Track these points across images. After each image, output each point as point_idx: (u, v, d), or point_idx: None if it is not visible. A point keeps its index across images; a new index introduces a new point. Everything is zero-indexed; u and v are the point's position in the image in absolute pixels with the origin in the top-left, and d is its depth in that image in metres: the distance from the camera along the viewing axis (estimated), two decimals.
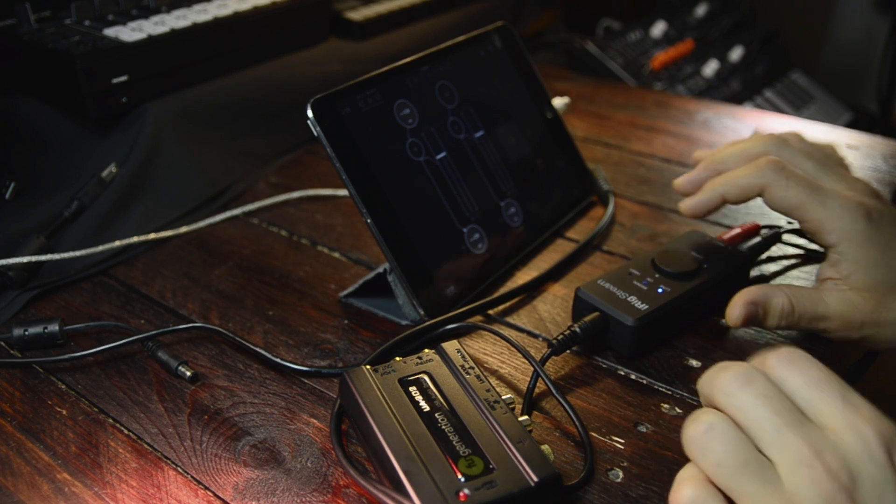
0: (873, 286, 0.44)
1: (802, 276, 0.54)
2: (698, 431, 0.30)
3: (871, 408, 0.30)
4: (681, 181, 0.52)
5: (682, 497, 0.30)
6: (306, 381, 0.45)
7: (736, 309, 0.44)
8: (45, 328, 0.47)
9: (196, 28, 0.67)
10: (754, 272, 0.54)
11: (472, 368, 0.40)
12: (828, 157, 0.49)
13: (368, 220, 0.47)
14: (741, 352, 0.47)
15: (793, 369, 0.32)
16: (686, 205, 0.50)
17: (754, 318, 0.44)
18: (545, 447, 0.37)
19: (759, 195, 0.47)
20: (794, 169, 0.46)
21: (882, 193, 0.47)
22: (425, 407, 0.38)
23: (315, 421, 0.42)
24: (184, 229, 0.60)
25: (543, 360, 0.44)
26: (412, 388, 0.39)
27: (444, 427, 0.37)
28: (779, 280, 0.53)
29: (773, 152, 0.48)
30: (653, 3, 1.20)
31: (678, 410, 0.42)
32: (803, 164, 0.47)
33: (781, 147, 0.49)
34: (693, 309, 0.48)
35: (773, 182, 0.45)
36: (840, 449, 0.29)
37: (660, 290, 0.46)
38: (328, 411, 0.43)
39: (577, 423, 0.40)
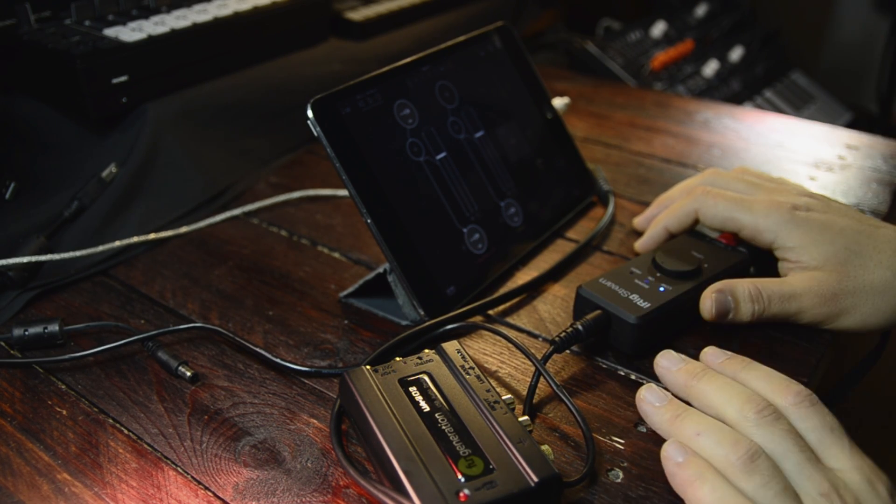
0: (826, 260, 0.46)
1: None
2: (743, 457, 0.34)
3: (868, 458, 0.36)
4: (637, 220, 0.59)
5: (703, 495, 0.34)
6: (306, 381, 0.45)
7: (706, 301, 0.46)
8: (45, 328, 0.47)
9: (196, 28, 0.67)
10: (754, 272, 0.54)
11: (473, 369, 0.40)
12: (762, 177, 0.53)
13: (368, 220, 0.47)
14: (742, 351, 0.47)
15: (808, 413, 0.37)
16: (639, 243, 0.56)
17: (725, 307, 0.46)
18: (545, 447, 0.37)
19: (696, 219, 0.52)
20: (720, 191, 0.51)
21: (816, 193, 0.51)
22: (425, 407, 0.38)
23: (315, 421, 0.42)
24: (184, 229, 0.60)
25: (546, 358, 0.44)
26: (412, 389, 0.39)
27: (444, 427, 0.37)
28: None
29: (707, 182, 0.54)
30: (653, 3, 1.20)
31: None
32: (734, 186, 0.52)
33: (716, 177, 0.54)
34: (694, 308, 0.48)
35: (702, 204, 0.51)
36: (850, 486, 0.34)
37: (661, 289, 0.46)
38: (328, 411, 0.43)
39: (579, 419, 0.40)
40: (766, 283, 0.46)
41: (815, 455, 0.35)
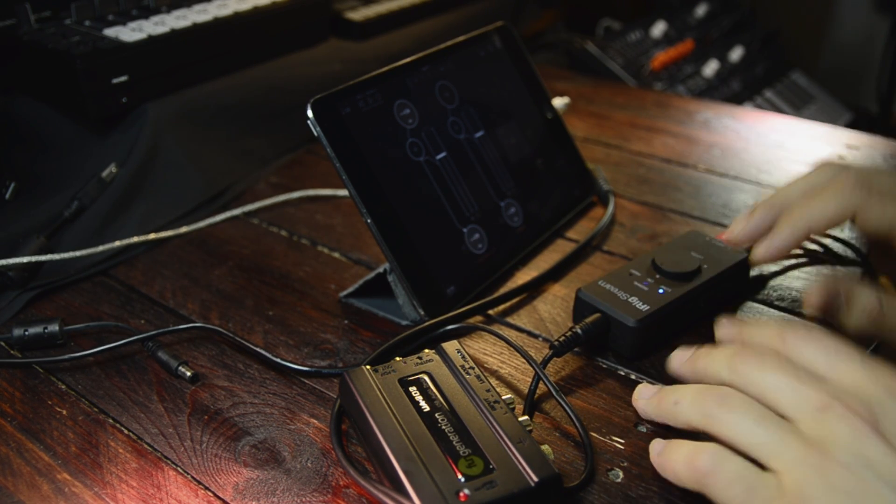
0: None
1: (802, 277, 0.54)
2: (711, 401, 0.31)
3: (891, 367, 0.30)
4: (738, 230, 0.47)
5: (701, 461, 0.31)
6: (306, 381, 0.45)
7: (815, 295, 0.41)
8: (45, 328, 0.47)
9: (196, 28, 0.67)
10: (754, 272, 0.54)
11: (473, 369, 0.40)
12: None
13: (368, 220, 0.47)
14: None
15: (808, 340, 0.32)
16: (761, 253, 0.45)
17: (834, 308, 0.40)
18: (545, 447, 0.37)
19: (849, 219, 0.43)
20: (887, 189, 0.42)
21: None
22: (425, 407, 0.38)
23: (315, 421, 0.42)
24: (184, 229, 0.60)
25: (545, 362, 0.44)
26: (412, 389, 0.39)
27: (444, 427, 0.37)
28: (779, 280, 0.53)
29: (842, 176, 0.43)
30: (653, 4, 1.20)
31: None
32: (884, 181, 0.43)
33: (851, 169, 0.44)
34: (693, 309, 0.48)
35: (865, 202, 0.41)
36: (859, 394, 0.29)
37: (661, 291, 0.46)
38: (328, 411, 0.43)
39: (577, 424, 0.40)
40: (892, 305, 0.39)
41: (821, 377, 0.31)
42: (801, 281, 0.53)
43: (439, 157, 0.53)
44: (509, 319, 0.50)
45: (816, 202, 0.43)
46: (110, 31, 0.64)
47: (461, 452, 0.35)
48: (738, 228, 0.47)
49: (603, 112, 0.82)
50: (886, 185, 0.42)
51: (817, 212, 0.43)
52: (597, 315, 0.46)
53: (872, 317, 0.39)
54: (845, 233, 0.58)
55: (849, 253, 0.55)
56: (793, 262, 0.55)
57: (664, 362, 0.46)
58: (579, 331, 0.45)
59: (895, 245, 0.42)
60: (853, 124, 1.09)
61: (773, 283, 0.53)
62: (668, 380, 0.45)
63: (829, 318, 0.41)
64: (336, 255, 0.58)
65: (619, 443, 0.40)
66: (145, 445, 0.40)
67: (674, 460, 0.34)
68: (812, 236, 0.47)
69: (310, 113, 0.46)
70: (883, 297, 0.40)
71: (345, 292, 0.52)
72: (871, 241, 0.47)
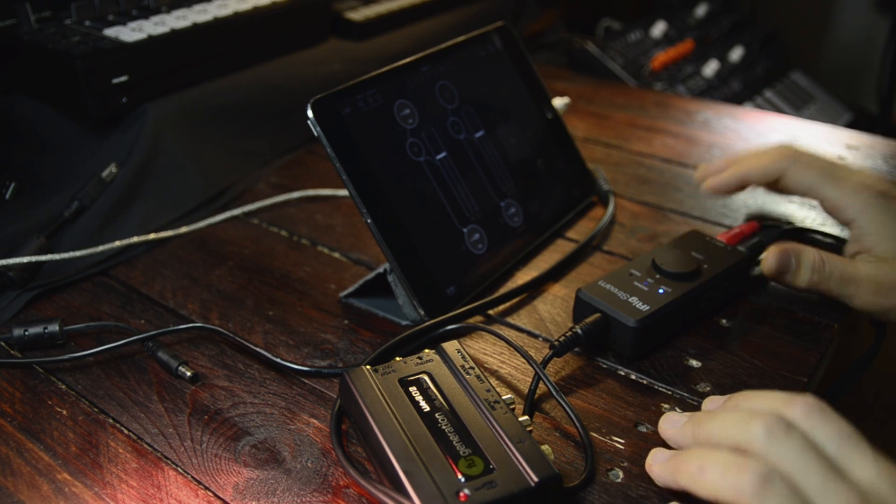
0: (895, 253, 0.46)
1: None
2: (753, 483, 0.31)
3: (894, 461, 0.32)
4: (702, 168, 0.57)
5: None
6: (306, 381, 0.45)
7: (771, 257, 0.47)
8: (46, 328, 0.47)
9: (196, 28, 0.67)
10: (754, 272, 0.54)
11: (473, 368, 0.40)
12: (840, 161, 0.52)
13: (368, 220, 0.47)
14: (742, 352, 0.47)
15: (821, 421, 0.33)
16: (710, 182, 0.55)
17: (786, 266, 0.47)
18: (545, 447, 0.37)
19: (778, 178, 0.52)
20: (815, 157, 0.51)
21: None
22: (425, 407, 0.38)
23: (315, 421, 0.42)
24: (184, 229, 0.60)
25: (545, 362, 0.44)
26: (412, 389, 0.39)
27: (444, 427, 0.37)
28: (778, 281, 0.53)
29: (784, 147, 0.53)
30: (653, 4, 1.20)
31: (678, 410, 0.42)
32: (820, 160, 0.51)
33: (796, 147, 0.53)
34: (694, 309, 0.48)
35: (793, 165, 0.51)
36: (881, 496, 0.31)
37: (661, 291, 0.46)
38: (328, 411, 0.43)
39: (577, 424, 0.40)
40: (831, 258, 0.47)
41: (837, 466, 0.32)
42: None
43: (439, 157, 0.53)
44: (509, 319, 0.50)
45: (756, 159, 0.53)
46: (110, 31, 0.64)
47: (461, 452, 0.35)
48: (702, 167, 0.58)
49: (603, 112, 0.82)
50: (811, 159, 0.51)
51: (755, 166, 0.53)
52: (597, 315, 0.46)
53: (817, 271, 0.46)
54: (845, 233, 0.58)
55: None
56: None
57: (663, 362, 0.46)
58: (579, 331, 0.45)
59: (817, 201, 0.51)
60: (853, 124, 1.09)
61: (774, 282, 0.53)
62: (667, 379, 0.45)
63: (780, 279, 0.48)
64: (336, 255, 0.58)
65: (619, 443, 0.40)
66: (145, 445, 0.40)
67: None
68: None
69: (310, 113, 0.46)
70: (824, 254, 0.47)
71: (345, 292, 0.52)
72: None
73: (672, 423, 0.39)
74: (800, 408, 0.34)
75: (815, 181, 0.50)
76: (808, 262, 0.47)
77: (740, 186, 0.54)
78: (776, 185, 0.53)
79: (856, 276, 0.46)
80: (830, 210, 0.50)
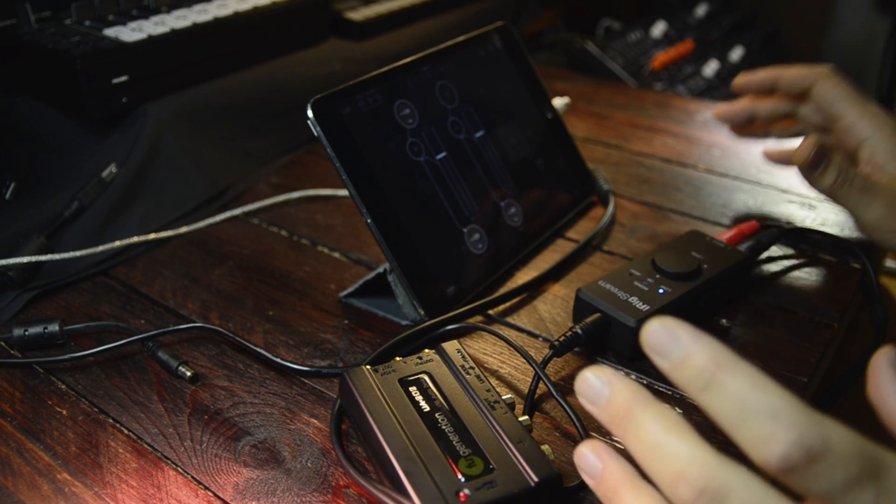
0: None
1: (803, 277, 0.54)
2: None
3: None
4: (722, 107, 0.60)
5: None
6: (306, 381, 0.45)
7: (807, 147, 0.47)
8: (46, 328, 0.47)
9: (196, 28, 0.67)
10: (754, 272, 0.54)
11: (473, 368, 0.40)
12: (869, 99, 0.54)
13: (368, 220, 0.47)
14: (742, 351, 0.47)
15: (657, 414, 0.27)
16: (742, 79, 0.58)
17: (821, 159, 0.47)
18: (545, 447, 0.37)
19: (810, 87, 0.54)
20: (846, 80, 0.53)
21: None
22: (425, 407, 0.38)
23: (315, 421, 0.42)
24: (184, 229, 0.60)
25: (545, 362, 0.44)
26: (412, 389, 0.39)
27: (444, 427, 0.37)
28: (779, 281, 0.53)
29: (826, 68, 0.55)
30: (653, 4, 1.20)
31: (678, 410, 0.42)
32: (848, 83, 0.53)
33: (834, 70, 0.55)
34: (694, 309, 0.48)
35: (825, 79, 0.53)
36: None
37: (661, 291, 0.46)
38: (328, 411, 0.43)
39: (577, 424, 0.40)
40: (854, 168, 0.48)
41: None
42: (801, 281, 0.53)
43: (439, 157, 0.53)
44: (509, 319, 0.50)
45: (795, 68, 0.56)
46: (110, 31, 0.64)
47: (461, 452, 0.35)
48: (720, 108, 0.61)
49: (603, 112, 0.82)
50: (843, 80, 0.53)
51: (791, 71, 0.55)
52: (597, 315, 0.46)
53: (843, 172, 0.47)
54: (845, 232, 0.58)
55: (849, 253, 0.55)
56: (794, 262, 0.55)
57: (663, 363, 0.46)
58: (579, 331, 0.45)
59: (831, 123, 0.53)
60: None
61: (774, 282, 0.53)
62: (667, 379, 0.45)
63: (808, 173, 0.48)
64: (336, 255, 0.58)
65: (618, 444, 0.40)
66: (145, 445, 0.40)
67: None
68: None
69: (310, 113, 0.46)
70: (851, 167, 0.47)
71: (345, 292, 0.52)
72: (815, 116, 0.57)
73: (592, 390, 0.29)
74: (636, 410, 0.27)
75: (841, 98, 0.51)
76: (836, 163, 0.47)
77: (771, 87, 0.56)
78: (802, 99, 0.55)
79: (874, 187, 0.47)
80: (846, 128, 0.51)
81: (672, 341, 0.26)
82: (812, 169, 0.47)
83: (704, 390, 0.25)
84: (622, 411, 0.27)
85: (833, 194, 0.48)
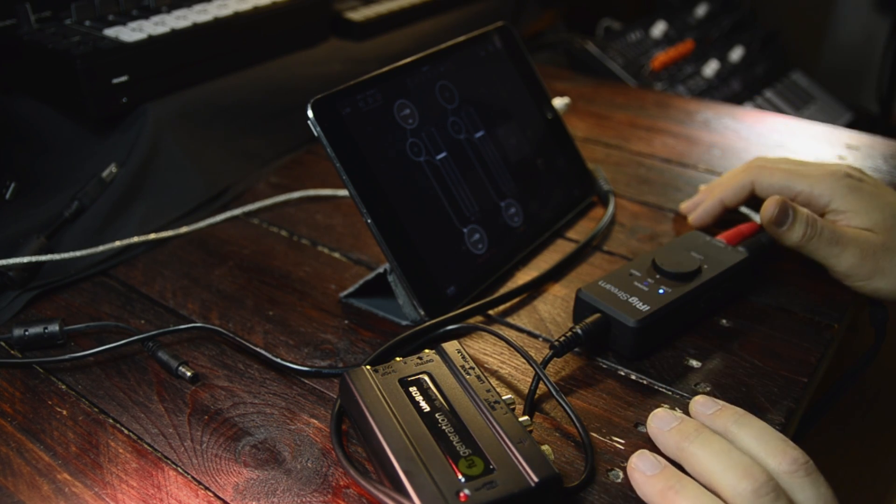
0: (874, 224, 0.49)
1: (803, 277, 0.54)
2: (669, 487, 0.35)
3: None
4: (685, 205, 0.61)
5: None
6: (306, 381, 0.45)
7: (771, 206, 0.49)
8: (46, 328, 0.47)
9: (196, 28, 0.67)
10: (754, 272, 0.54)
11: (473, 369, 0.40)
12: (805, 160, 0.56)
13: (368, 220, 0.47)
14: (742, 351, 0.47)
15: (804, 482, 0.35)
16: (693, 216, 0.58)
17: (785, 216, 0.49)
18: (545, 447, 0.37)
19: (751, 191, 0.55)
20: (774, 164, 0.54)
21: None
22: (425, 407, 0.38)
23: (315, 421, 0.42)
24: (184, 229, 0.60)
25: (545, 363, 0.44)
26: (412, 389, 0.39)
27: (444, 427, 0.37)
28: (779, 281, 0.53)
29: (749, 162, 0.56)
30: (653, 4, 1.20)
31: (678, 410, 0.42)
32: (784, 164, 0.55)
33: (761, 159, 0.57)
34: (694, 309, 0.48)
35: (758, 176, 0.54)
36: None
37: (661, 291, 0.46)
38: (328, 411, 0.43)
39: (577, 424, 0.40)
40: (821, 219, 0.50)
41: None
42: (801, 281, 0.53)
43: (439, 157, 0.53)
44: (509, 319, 0.50)
45: (727, 182, 0.56)
46: (110, 31, 0.64)
47: (461, 452, 0.35)
48: (683, 204, 0.61)
49: (603, 112, 0.82)
50: (774, 163, 0.54)
51: (729, 189, 0.55)
52: (597, 315, 0.46)
53: (811, 225, 0.49)
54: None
55: None
56: (794, 262, 0.55)
57: (663, 362, 0.46)
58: (579, 331, 0.45)
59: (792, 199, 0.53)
60: (853, 124, 1.09)
61: (774, 282, 0.53)
62: (667, 380, 0.45)
63: (775, 229, 0.49)
64: (336, 255, 0.58)
65: (619, 443, 0.40)
66: (145, 445, 0.40)
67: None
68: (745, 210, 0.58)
69: (310, 113, 0.46)
70: (816, 217, 0.49)
71: (345, 292, 0.52)
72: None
73: (661, 424, 0.39)
74: (787, 464, 0.35)
75: (783, 182, 0.53)
76: (802, 217, 0.49)
77: (721, 212, 0.56)
78: (754, 197, 0.55)
79: (843, 237, 0.48)
80: (805, 203, 0.52)
81: (669, 416, 0.40)
82: (779, 226, 0.49)
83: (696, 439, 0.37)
84: (692, 428, 0.38)
85: (803, 248, 0.49)
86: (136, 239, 0.57)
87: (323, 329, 0.49)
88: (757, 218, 0.56)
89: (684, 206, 0.61)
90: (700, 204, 0.58)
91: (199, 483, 0.38)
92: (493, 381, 0.44)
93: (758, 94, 1.09)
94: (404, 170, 0.50)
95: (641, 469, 0.36)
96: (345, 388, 0.40)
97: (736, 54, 1.12)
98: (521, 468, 0.34)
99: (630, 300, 0.46)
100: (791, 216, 0.49)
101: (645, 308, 0.45)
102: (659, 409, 0.40)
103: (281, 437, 0.41)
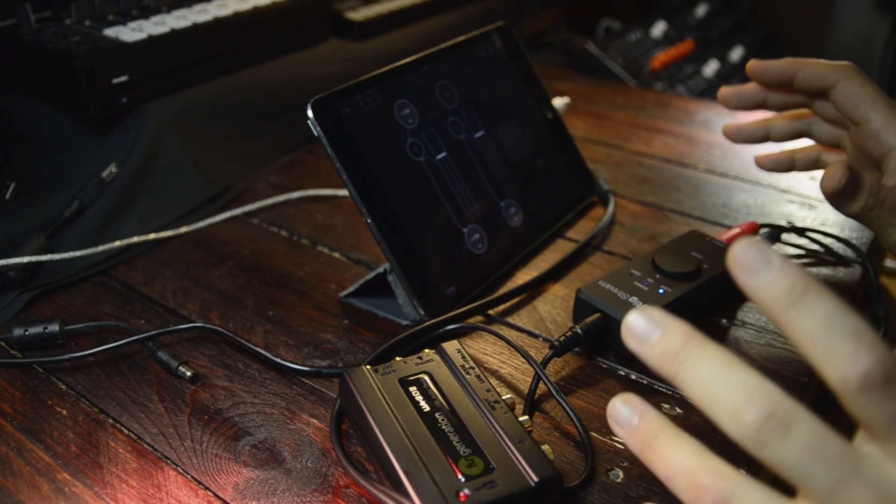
0: None
1: None
2: None
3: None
4: (727, 90, 0.55)
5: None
6: (306, 381, 0.45)
7: (836, 174, 0.44)
8: (46, 328, 0.47)
9: (196, 28, 0.67)
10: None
11: (473, 368, 0.40)
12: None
13: (368, 220, 0.47)
14: (743, 352, 0.47)
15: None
16: (756, 64, 0.52)
17: (851, 188, 0.44)
18: (545, 447, 0.37)
19: (832, 86, 0.48)
20: (870, 79, 0.48)
21: None
22: (425, 407, 0.38)
23: (315, 421, 0.42)
24: (184, 229, 0.60)
25: (545, 362, 0.44)
26: (412, 388, 0.39)
27: (444, 427, 0.37)
28: None
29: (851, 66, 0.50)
30: (653, 3, 1.20)
31: (678, 410, 0.42)
32: (872, 82, 0.49)
33: (854, 66, 0.50)
34: (694, 309, 0.48)
35: (849, 77, 0.47)
36: None
37: (661, 291, 0.46)
38: (328, 411, 0.43)
39: (577, 424, 0.40)
40: (884, 191, 0.45)
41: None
42: None
43: (439, 157, 0.53)
44: (509, 319, 0.50)
45: (816, 62, 0.50)
46: (110, 31, 0.64)
47: (461, 452, 0.35)
48: (726, 90, 0.56)
49: (603, 112, 0.82)
50: (868, 79, 0.48)
51: (811, 66, 0.49)
52: (597, 315, 0.46)
53: (874, 194, 0.44)
54: (845, 232, 0.58)
55: (849, 253, 0.55)
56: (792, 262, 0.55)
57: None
58: (579, 331, 0.45)
59: (853, 125, 0.48)
60: None
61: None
62: (667, 381, 0.45)
63: (837, 199, 0.45)
64: (336, 255, 0.58)
65: (619, 443, 0.40)
66: (145, 445, 0.40)
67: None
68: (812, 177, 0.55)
69: (310, 113, 0.46)
70: (881, 188, 0.45)
71: (345, 292, 0.52)
72: (837, 119, 0.52)
73: (641, 330, 0.27)
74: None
75: (867, 101, 0.47)
76: (865, 187, 0.44)
77: (789, 78, 0.51)
78: (819, 96, 0.51)
79: None
80: (871, 133, 0.47)
81: (764, 260, 0.25)
82: (844, 195, 0.45)
83: (791, 308, 0.25)
84: (676, 348, 0.27)
85: (862, 218, 0.46)
86: (136, 239, 0.57)
87: (323, 329, 0.49)
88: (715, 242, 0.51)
89: (727, 90, 0.55)
90: (771, 73, 0.52)
91: (199, 483, 0.38)
92: (493, 381, 0.44)
93: None
94: (404, 170, 0.50)
95: (620, 422, 0.29)
96: (345, 387, 0.40)
97: (736, 54, 1.12)
98: (521, 468, 0.34)
99: (630, 300, 0.46)
100: (854, 187, 0.44)
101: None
102: (642, 309, 0.28)
103: (281, 436, 0.41)
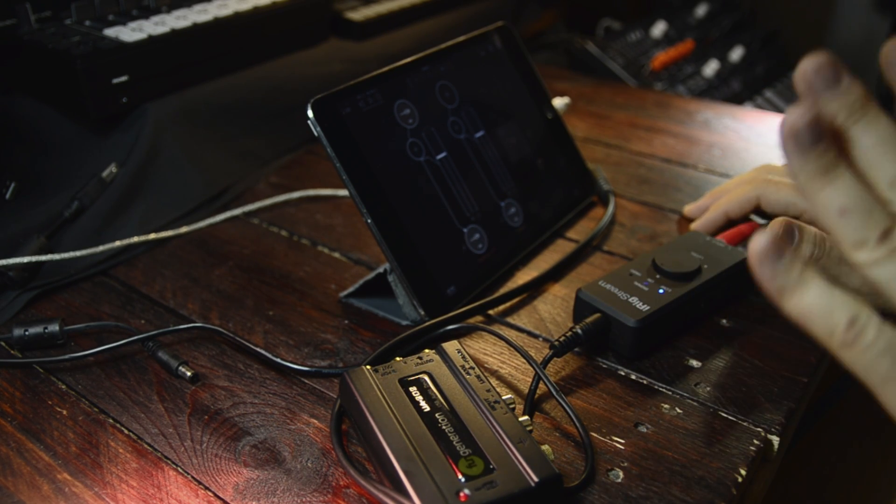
0: None
1: None
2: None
3: None
4: (689, 208, 0.60)
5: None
6: (306, 381, 0.45)
7: (776, 226, 0.45)
8: (46, 328, 0.47)
9: (196, 28, 0.67)
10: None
11: (473, 369, 0.40)
12: None
13: (368, 220, 0.47)
14: (742, 351, 0.47)
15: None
16: (696, 223, 0.57)
17: (791, 238, 0.45)
18: (545, 447, 0.37)
19: (756, 205, 0.54)
20: (782, 179, 0.53)
21: None
22: (425, 407, 0.38)
23: (315, 421, 0.42)
24: (184, 229, 0.60)
25: (545, 362, 0.44)
26: (412, 389, 0.39)
27: (444, 427, 0.37)
28: None
29: (763, 173, 0.56)
30: (653, 4, 1.20)
31: (678, 410, 0.42)
32: (783, 173, 0.54)
33: (771, 169, 0.56)
34: (694, 309, 0.48)
35: (765, 190, 0.53)
36: None
37: (661, 291, 0.46)
38: (328, 411, 0.43)
39: (577, 424, 0.40)
40: (830, 238, 0.45)
41: None
42: None
43: (439, 157, 0.53)
44: (509, 319, 0.50)
45: (735, 193, 0.55)
46: (110, 31, 0.64)
47: (461, 452, 0.35)
48: (688, 207, 0.61)
49: (603, 112, 0.82)
50: (781, 174, 0.54)
51: (734, 201, 0.55)
52: (597, 315, 0.46)
53: (819, 245, 0.45)
54: None
55: None
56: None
57: (663, 362, 0.46)
58: (579, 331, 0.45)
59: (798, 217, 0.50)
60: None
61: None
62: (667, 379, 0.45)
63: (779, 254, 0.45)
64: (336, 255, 0.58)
65: (619, 443, 0.40)
66: (145, 445, 0.40)
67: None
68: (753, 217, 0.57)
69: (310, 113, 0.46)
70: (826, 237, 0.46)
71: (345, 292, 0.52)
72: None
73: (826, 74, 0.28)
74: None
75: (790, 198, 0.52)
76: (810, 236, 0.45)
77: (724, 223, 0.55)
78: (758, 210, 0.55)
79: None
80: (812, 221, 0.49)
81: (835, 72, 0.27)
82: (786, 244, 0.45)
83: (860, 119, 0.27)
84: (862, 100, 0.28)
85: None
86: (136, 239, 0.57)
87: (323, 329, 0.49)
88: (762, 221, 0.55)
89: (688, 209, 0.60)
90: (704, 211, 0.57)
91: (199, 483, 0.38)
92: (493, 381, 0.44)
93: (758, 94, 1.09)
94: (404, 170, 0.50)
95: (792, 151, 0.28)
96: (345, 387, 0.40)
97: (736, 54, 1.12)
98: (521, 468, 0.34)
99: (630, 300, 0.46)
100: (797, 236, 0.45)
101: (645, 308, 0.45)
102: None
103: (281, 436, 0.41)
